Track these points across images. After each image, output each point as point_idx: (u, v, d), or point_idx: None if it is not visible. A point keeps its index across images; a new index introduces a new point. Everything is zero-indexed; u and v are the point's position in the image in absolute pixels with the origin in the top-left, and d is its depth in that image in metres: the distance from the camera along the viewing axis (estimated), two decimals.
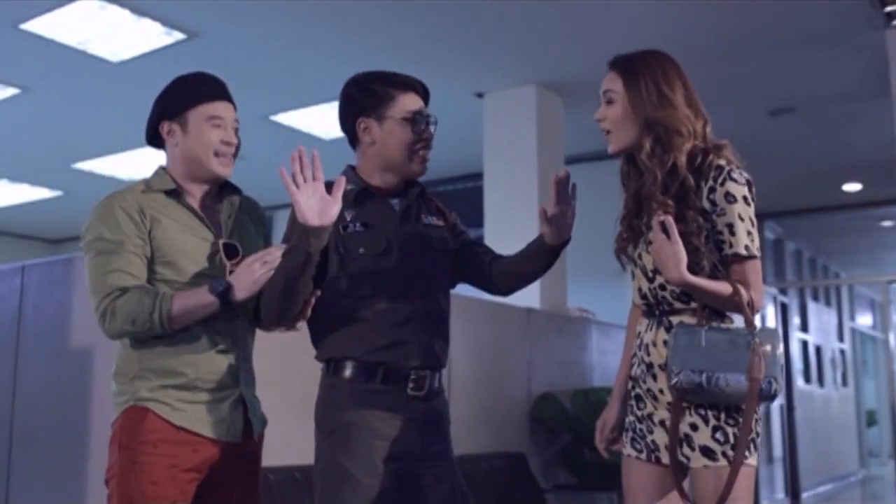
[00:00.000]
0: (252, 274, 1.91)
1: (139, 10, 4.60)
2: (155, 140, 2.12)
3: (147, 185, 2.03)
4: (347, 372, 1.98)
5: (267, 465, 2.93)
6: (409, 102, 2.08)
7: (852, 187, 8.35)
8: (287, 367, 3.12)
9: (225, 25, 4.84)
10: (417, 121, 2.07)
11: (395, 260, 2.03)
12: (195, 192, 2.06)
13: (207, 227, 2.03)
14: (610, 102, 1.99)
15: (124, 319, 1.88)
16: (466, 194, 7.49)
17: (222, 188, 2.13)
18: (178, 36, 4.86)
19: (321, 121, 6.21)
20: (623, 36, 4.99)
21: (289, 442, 3.02)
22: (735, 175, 1.88)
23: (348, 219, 2.02)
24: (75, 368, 3.10)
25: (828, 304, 11.62)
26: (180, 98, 2.05)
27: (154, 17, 4.68)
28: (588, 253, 7.10)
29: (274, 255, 1.92)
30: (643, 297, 2.00)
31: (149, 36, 4.86)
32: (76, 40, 4.90)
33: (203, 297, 1.91)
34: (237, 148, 2.08)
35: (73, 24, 4.71)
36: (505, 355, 4.57)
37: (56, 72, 5.35)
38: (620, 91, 1.97)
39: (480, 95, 5.88)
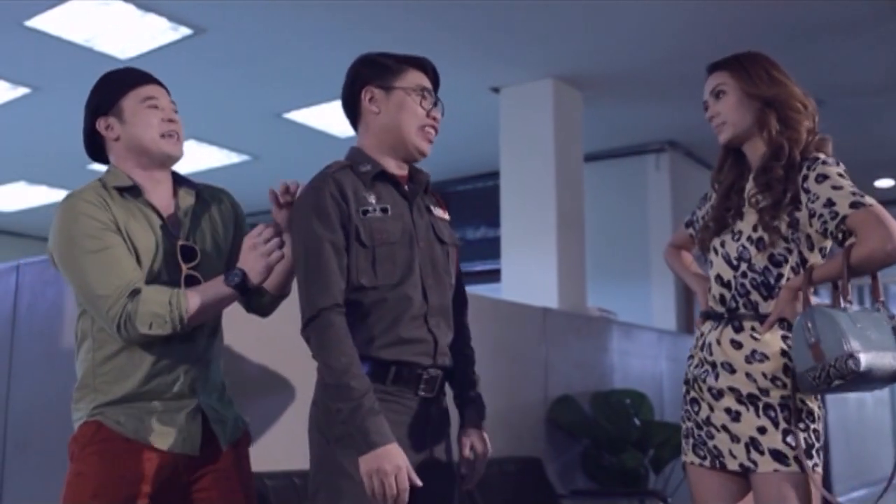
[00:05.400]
0: (257, 260, 1.85)
1: (144, 6, 4.52)
2: (95, 151, 2.03)
3: (103, 184, 1.93)
4: None
5: (264, 471, 2.85)
6: (418, 78, 1.98)
7: (885, 183, 8.14)
8: (283, 369, 3.01)
9: (233, 20, 4.74)
10: (427, 97, 1.96)
11: (412, 250, 1.90)
12: (150, 189, 1.97)
13: (167, 225, 1.94)
14: (720, 95, 2.03)
15: (142, 323, 1.79)
16: (482, 193, 7.36)
17: (176, 183, 2.04)
18: (184, 31, 4.79)
19: (336, 118, 6.10)
20: (643, 27, 4.83)
21: (287, 446, 2.91)
22: (828, 161, 1.91)
23: (370, 201, 1.88)
24: (71, 370, 3.01)
25: (861, 303, 11.35)
26: (110, 90, 1.98)
27: (160, 13, 4.60)
28: (609, 252, 6.98)
29: (265, 235, 1.88)
30: (724, 285, 2.00)
31: (155, 32, 4.78)
32: (83, 37, 4.85)
33: (220, 290, 1.84)
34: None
35: (79, 21, 4.65)
36: (520, 357, 4.43)
37: (65, 70, 5.30)
38: (730, 82, 2.02)
39: (496, 90, 5.73)
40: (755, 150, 2.03)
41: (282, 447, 2.95)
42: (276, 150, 7.01)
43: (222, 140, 6.77)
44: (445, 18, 4.76)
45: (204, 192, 2.08)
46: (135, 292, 1.80)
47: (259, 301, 2.07)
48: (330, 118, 6.14)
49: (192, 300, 1.83)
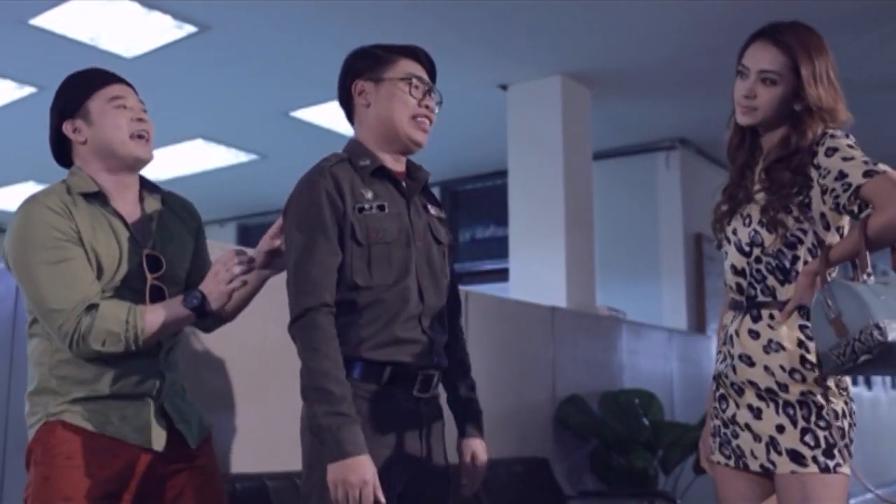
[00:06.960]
0: (219, 285, 1.81)
1: (149, 4, 4.50)
2: (62, 155, 1.98)
3: (67, 188, 1.88)
4: (353, 372, 1.80)
5: (265, 471, 2.81)
6: (409, 67, 1.93)
7: None
8: (280, 372, 2.98)
9: (238, 17, 4.71)
10: (418, 86, 1.91)
11: (409, 250, 1.86)
12: (115, 194, 1.91)
13: (132, 234, 1.89)
14: (769, 82, 1.89)
15: (95, 340, 1.74)
16: (490, 192, 7.31)
17: (142, 187, 1.99)
18: (189, 29, 4.76)
19: (343, 116, 6.04)
20: (652, 23, 4.77)
21: (287, 447, 2.88)
22: (836, 133, 1.82)
23: (367, 198, 1.85)
24: None
25: None
26: (76, 91, 1.94)
27: (164, 11, 4.57)
28: (618, 250, 6.91)
29: (232, 263, 1.84)
30: (738, 273, 1.91)
31: (160, 30, 4.76)
32: (88, 36, 4.84)
33: (177, 311, 1.80)
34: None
35: (83, 19, 4.64)
36: (528, 356, 4.38)
37: (70, 69, 5.22)
38: (788, 76, 1.87)
39: (504, 88, 5.68)
40: (771, 138, 1.94)
41: (282, 448, 2.91)
42: (283, 149, 6.98)
43: (230, 139, 6.74)
44: (452, 15, 4.72)
45: (170, 199, 2.04)
46: (92, 307, 1.76)
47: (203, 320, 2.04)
48: (338, 116, 6.07)
49: (150, 319, 1.79)
